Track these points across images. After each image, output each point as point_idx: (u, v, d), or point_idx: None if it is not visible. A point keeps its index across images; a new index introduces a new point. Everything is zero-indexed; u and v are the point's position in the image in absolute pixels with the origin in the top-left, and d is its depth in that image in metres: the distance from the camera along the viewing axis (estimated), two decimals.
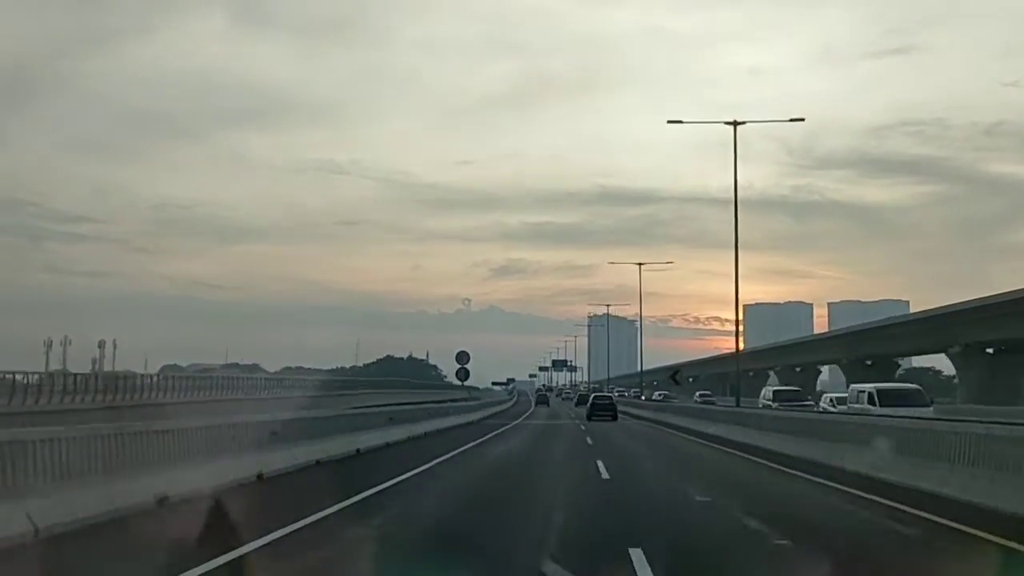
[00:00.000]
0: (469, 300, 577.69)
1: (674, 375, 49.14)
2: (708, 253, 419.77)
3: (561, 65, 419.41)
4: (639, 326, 74.31)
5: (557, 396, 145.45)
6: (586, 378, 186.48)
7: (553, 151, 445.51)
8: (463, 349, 48.66)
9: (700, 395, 76.13)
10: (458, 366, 48.99)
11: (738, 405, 32.85)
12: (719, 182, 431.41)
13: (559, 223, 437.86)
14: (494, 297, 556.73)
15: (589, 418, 51.61)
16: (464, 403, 48.59)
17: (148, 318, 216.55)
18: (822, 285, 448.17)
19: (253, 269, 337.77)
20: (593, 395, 63.93)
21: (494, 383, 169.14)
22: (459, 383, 55.22)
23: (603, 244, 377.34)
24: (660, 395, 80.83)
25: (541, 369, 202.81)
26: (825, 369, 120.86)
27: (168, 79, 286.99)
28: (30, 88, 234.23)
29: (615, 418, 51.83)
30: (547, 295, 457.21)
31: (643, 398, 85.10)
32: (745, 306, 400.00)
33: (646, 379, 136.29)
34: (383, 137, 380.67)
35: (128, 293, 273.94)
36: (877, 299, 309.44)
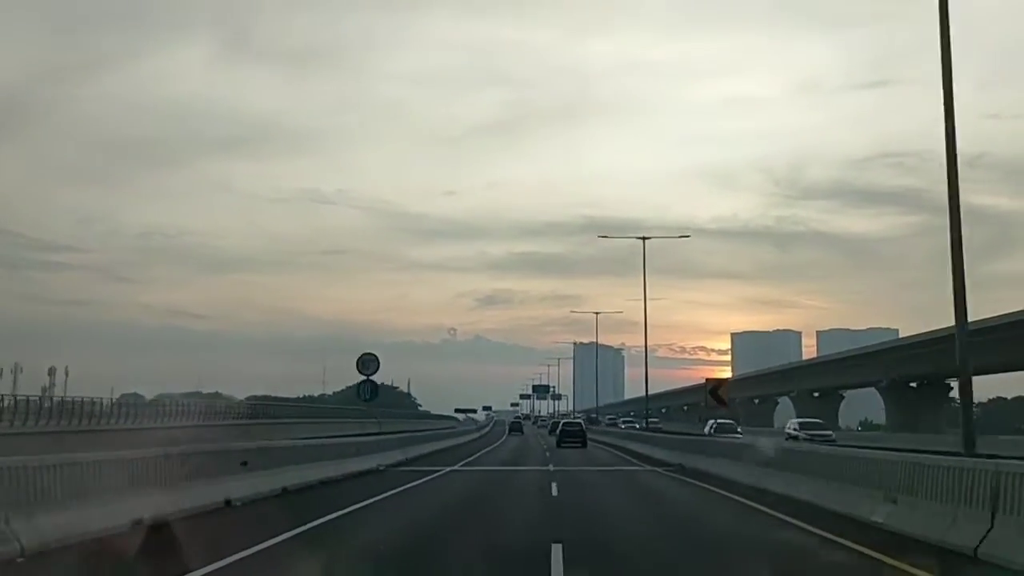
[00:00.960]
0: (455, 330, 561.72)
1: (714, 390, 30.51)
2: (694, 284, 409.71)
3: (545, 96, 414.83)
4: (644, 328, 56.86)
5: (534, 424, 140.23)
6: (571, 407, 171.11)
7: (538, 181, 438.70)
8: (370, 352, 31.25)
9: (800, 425, 48.24)
10: (361, 377, 31.45)
11: (971, 451, 13.77)
12: (707, 212, 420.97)
13: (545, 253, 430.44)
14: (480, 327, 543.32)
15: (559, 445, 51.32)
16: (363, 439, 30.24)
17: (125, 347, 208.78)
18: (808, 314, 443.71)
19: (237, 298, 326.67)
20: (563, 422, 64.30)
21: (457, 410, 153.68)
22: (440, 413, 37.60)
23: (589, 274, 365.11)
24: (714, 426, 49.15)
25: (523, 397, 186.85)
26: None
27: (153, 107, 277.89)
28: (13, 115, 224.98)
29: (584, 444, 52.02)
30: (533, 325, 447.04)
31: (642, 428, 67.41)
32: (733, 335, 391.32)
33: (639, 408, 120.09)
34: (368, 167, 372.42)
35: (106, 322, 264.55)
36: (866, 327, 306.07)
